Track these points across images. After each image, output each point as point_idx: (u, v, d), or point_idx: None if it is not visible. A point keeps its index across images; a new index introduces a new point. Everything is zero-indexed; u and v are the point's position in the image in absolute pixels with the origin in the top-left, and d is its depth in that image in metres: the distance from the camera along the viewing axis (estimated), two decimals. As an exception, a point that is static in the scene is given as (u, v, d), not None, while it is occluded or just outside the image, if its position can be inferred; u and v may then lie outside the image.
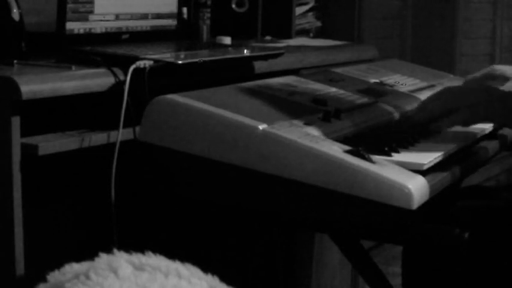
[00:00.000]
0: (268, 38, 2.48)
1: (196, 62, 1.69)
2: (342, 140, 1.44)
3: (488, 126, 1.74)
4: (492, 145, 1.69)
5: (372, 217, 1.27)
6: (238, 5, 2.29)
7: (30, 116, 1.45)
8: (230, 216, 1.86)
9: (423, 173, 1.33)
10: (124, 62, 1.58)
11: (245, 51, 1.90)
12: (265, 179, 1.33)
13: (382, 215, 1.26)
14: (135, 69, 1.56)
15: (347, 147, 1.33)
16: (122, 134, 1.53)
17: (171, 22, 2.02)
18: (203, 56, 1.77)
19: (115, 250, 1.07)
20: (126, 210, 1.60)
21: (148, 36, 1.93)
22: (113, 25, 1.83)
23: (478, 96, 1.57)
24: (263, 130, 1.34)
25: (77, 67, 1.55)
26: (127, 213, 1.62)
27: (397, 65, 2.28)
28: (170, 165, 1.42)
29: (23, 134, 1.44)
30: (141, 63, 1.58)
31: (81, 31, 1.74)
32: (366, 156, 1.30)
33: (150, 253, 1.07)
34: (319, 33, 2.91)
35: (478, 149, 1.64)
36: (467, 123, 1.59)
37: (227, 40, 2.03)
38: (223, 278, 1.07)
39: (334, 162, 1.29)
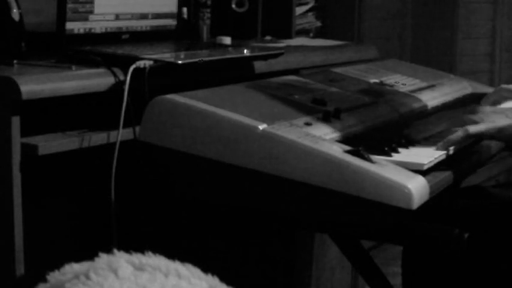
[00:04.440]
0: (268, 38, 2.48)
1: (196, 62, 1.69)
2: (342, 140, 1.44)
3: None
4: (496, 142, 1.69)
5: (372, 217, 1.27)
6: (238, 5, 2.28)
7: (30, 116, 1.45)
8: (230, 216, 1.86)
9: (423, 173, 1.33)
10: (124, 62, 1.58)
11: (245, 51, 1.90)
12: (265, 179, 1.33)
13: (382, 215, 1.26)
14: (135, 69, 1.56)
15: (347, 147, 1.33)
16: (122, 134, 1.53)
17: (171, 22, 2.02)
18: (203, 56, 1.77)
19: (115, 250, 1.07)
20: (126, 210, 1.60)
21: (148, 36, 1.93)
22: (113, 25, 1.83)
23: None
24: (263, 130, 1.34)
25: (77, 67, 1.55)
26: (127, 213, 1.62)
27: (397, 65, 2.28)
28: (170, 165, 1.42)
29: (23, 134, 1.44)
30: (141, 63, 1.58)
31: (81, 31, 1.74)
32: (366, 156, 1.30)
33: (150, 253, 1.07)
34: (319, 33, 2.91)
35: (480, 148, 1.63)
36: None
37: (227, 40, 2.03)
38: (223, 278, 1.07)
39: (334, 162, 1.29)
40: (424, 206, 1.29)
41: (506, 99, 2.01)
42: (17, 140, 1.43)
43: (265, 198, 1.35)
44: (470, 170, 1.58)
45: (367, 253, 1.79)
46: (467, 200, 1.78)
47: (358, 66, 2.15)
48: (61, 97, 1.49)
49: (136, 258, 1.06)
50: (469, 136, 1.47)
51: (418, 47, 3.68)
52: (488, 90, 2.12)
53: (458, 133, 1.46)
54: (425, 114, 1.87)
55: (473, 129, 1.47)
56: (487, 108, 1.61)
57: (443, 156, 1.43)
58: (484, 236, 1.62)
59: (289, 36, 2.57)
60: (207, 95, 1.46)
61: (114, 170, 1.50)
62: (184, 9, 2.08)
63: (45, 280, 1.06)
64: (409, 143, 1.48)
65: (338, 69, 2.03)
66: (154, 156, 1.42)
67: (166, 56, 1.69)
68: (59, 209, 1.77)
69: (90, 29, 1.77)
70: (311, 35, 2.85)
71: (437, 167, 1.41)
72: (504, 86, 2.04)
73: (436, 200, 1.36)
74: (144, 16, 1.92)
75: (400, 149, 1.42)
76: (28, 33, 1.66)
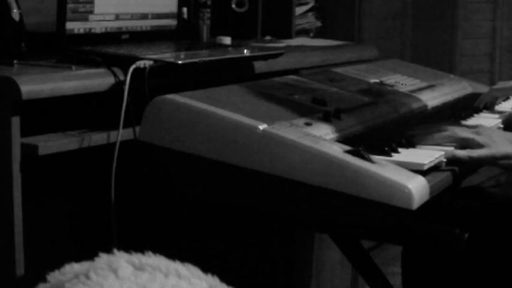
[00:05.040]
0: (268, 38, 2.48)
1: (196, 62, 1.69)
2: (342, 140, 1.44)
3: (497, 122, 1.76)
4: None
5: (372, 217, 1.27)
6: (238, 5, 2.28)
7: (30, 116, 1.45)
8: (230, 216, 1.86)
9: (423, 173, 1.33)
10: (124, 62, 1.58)
11: (245, 51, 1.90)
12: (265, 179, 1.33)
13: (382, 215, 1.26)
14: (135, 69, 1.56)
15: (347, 147, 1.33)
16: (121, 134, 1.53)
17: (171, 22, 2.02)
18: (203, 56, 1.77)
19: (115, 250, 1.07)
20: (126, 210, 1.60)
21: (148, 36, 1.93)
22: (113, 25, 1.83)
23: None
24: (263, 130, 1.34)
25: (77, 67, 1.55)
26: (127, 213, 1.62)
27: (397, 65, 2.28)
28: (170, 165, 1.42)
29: (23, 134, 1.44)
30: (141, 63, 1.58)
31: (81, 31, 1.74)
32: (366, 156, 1.30)
33: (150, 253, 1.07)
34: (319, 33, 2.91)
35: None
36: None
37: (227, 40, 2.03)
38: (223, 278, 1.07)
39: (334, 162, 1.29)
40: (424, 206, 1.29)
41: (498, 99, 2.01)
42: (17, 140, 1.43)
43: (265, 198, 1.34)
44: (470, 170, 1.58)
45: (367, 253, 1.79)
46: (467, 200, 1.78)
47: (358, 66, 2.15)
48: (61, 97, 1.48)
49: (136, 258, 1.05)
50: (471, 160, 1.46)
51: (418, 47, 3.68)
52: (488, 90, 2.12)
53: (462, 153, 1.46)
54: (425, 114, 1.87)
55: (476, 153, 1.47)
56: (492, 131, 1.61)
57: (443, 157, 1.43)
58: (484, 236, 1.62)
59: (289, 36, 2.57)
60: (207, 95, 1.46)
61: (114, 170, 1.50)
62: (184, 9, 2.08)
63: (45, 280, 1.06)
64: (409, 143, 1.48)
65: (338, 69, 2.03)
66: (154, 156, 1.42)
67: (166, 56, 1.69)
68: (59, 209, 1.76)
69: (90, 29, 1.77)
70: (311, 35, 2.86)
71: (438, 167, 1.41)
72: (495, 86, 2.05)
73: (436, 200, 1.36)
74: (144, 16, 1.92)
75: (400, 149, 1.42)
76: (28, 33, 1.66)
